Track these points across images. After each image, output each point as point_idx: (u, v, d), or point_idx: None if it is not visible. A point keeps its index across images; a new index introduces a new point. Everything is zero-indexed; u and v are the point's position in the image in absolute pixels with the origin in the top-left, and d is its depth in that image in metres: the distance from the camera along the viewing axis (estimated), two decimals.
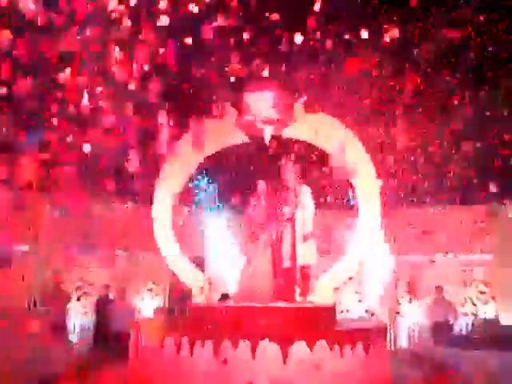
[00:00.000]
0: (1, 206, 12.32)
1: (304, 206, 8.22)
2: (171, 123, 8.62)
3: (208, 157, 9.00)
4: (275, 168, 8.53)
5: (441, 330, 11.81)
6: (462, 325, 13.12)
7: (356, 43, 11.35)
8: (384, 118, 13.05)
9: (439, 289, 12.55)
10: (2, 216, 12.30)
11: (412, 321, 13.62)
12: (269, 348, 6.36)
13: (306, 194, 8.30)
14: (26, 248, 12.76)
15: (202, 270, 8.82)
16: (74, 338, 12.12)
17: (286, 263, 8.21)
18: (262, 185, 8.64)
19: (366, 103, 12.59)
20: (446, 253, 13.68)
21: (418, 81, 13.15)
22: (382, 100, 12.75)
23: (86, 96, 9.14)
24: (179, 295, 12.14)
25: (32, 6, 7.52)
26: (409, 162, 13.60)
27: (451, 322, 12.10)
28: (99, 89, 9.81)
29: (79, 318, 12.69)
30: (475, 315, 12.99)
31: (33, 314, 11.57)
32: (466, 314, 13.37)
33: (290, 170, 8.41)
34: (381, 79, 12.63)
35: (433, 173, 13.63)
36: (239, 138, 8.74)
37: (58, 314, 11.59)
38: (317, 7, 9.09)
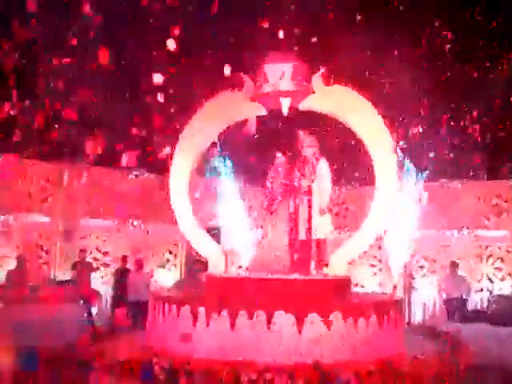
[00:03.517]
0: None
1: (321, 180, 8.21)
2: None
3: (226, 128, 8.97)
4: (294, 141, 8.49)
5: (454, 305, 11.75)
6: (477, 300, 13.13)
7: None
8: (405, 93, 12.92)
9: (454, 264, 12.47)
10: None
11: (427, 295, 13.62)
12: (284, 319, 6.43)
13: (323, 167, 8.28)
14: (46, 219, 12.93)
15: (218, 242, 8.87)
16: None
17: (302, 236, 8.25)
18: (280, 158, 8.64)
19: (387, 77, 12.47)
20: (462, 228, 13.60)
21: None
22: (403, 73, 12.60)
23: None
24: (195, 266, 12.28)
25: None
26: (428, 136, 13.49)
27: (465, 298, 12.01)
28: None
29: (98, 287, 12.87)
30: (491, 291, 12.96)
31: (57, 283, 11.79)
32: (481, 290, 13.36)
33: (308, 143, 8.38)
34: (401, 53, 12.49)
35: (452, 148, 13.52)
36: (257, 110, 8.68)
37: (84, 284, 11.81)
38: None
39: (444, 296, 12.28)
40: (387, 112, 8.38)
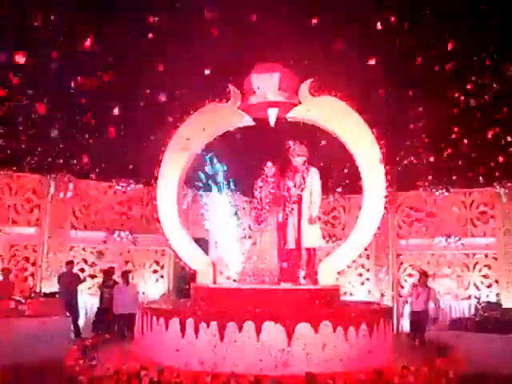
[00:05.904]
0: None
1: (311, 189, 8.22)
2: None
3: (214, 138, 8.96)
4: (284, 150, 8.49)
5: (416, 319, 10.74)
6: (464, 308, 13.18)
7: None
8: (389, 102, 13.02)
9: (423, 274, 11.25)
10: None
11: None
12: (273, 329, 6.39)
13: (313, 176, 8.29)
14: (32, 231, 12.82)
15: (206, 252, 8.83)
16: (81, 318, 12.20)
17: (291, 245, 8.24)
18: (270, 167, 8.64)
19: (372, 87, 12.55)
20: (449, 236, 13.66)
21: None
22: (388, 84, 12.71)
23: None
24: (183, 277, 12.22)
25: None
26: (413, 145, 13.58)
27: (430, 314, 10.74)
28: None
29: (84, 299, 12.76)
30: (478, 299, 13.00)
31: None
32: (469, 298, 13.42)
33: (298, 152, 8.39)
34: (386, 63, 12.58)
35: (437, 156, 13.61)
36: (244, 120, 8.67)
37: (71, 295, 11.70)
38: None
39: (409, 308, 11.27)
40: (374, 121, 8.41)
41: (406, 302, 11.40)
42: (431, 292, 10.84)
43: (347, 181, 12.71)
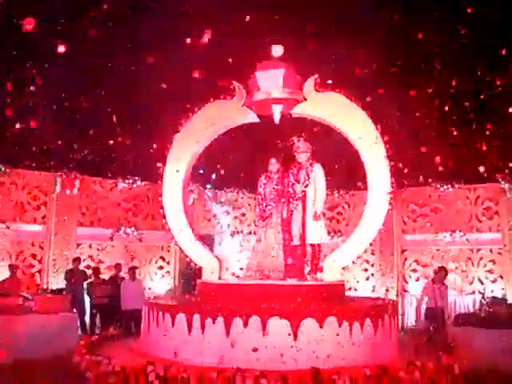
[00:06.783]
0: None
1: (315, 185, 8.24)
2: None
3: (218, 135, 9.00)
4: (288, 146, 8.52)
5: (434, 316, 10.41)
6: (468, 303, 13.16)
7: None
8: (393, 98, 13.00)
9: (443, 270, 11.16)
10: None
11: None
12: (279, 325, 6.43)
13: (317, 172, 8.32)
14: (39, 228, 12.88)
15: (212, 249, 8.87)
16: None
17: (296, 241, 8.28)
18: (274, 163, 8.67)
19: (376, 83, 12.53)
20: (454, 231, 13.65)
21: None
22: (391, 79, 12.70)
23: None
24: (189, 273, 12.26)
25: None
26: (417, 140, 13.55)
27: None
28: None
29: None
30: (483, 294, 12.98)
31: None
32: (473, 293, 13.41)
33: (302, 149, 8.41)
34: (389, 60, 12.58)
35: (441, 151, 13.58)
36: (249, 117, 8.70)
37: (78, 292, 11.76)
38: None
39: (427, 304, 10.88)
40: (378, 117, 8.43)
41: (422, 299, 11.28)
42: (447, 289, 10.89)
43: (352, 176, 12.69)
